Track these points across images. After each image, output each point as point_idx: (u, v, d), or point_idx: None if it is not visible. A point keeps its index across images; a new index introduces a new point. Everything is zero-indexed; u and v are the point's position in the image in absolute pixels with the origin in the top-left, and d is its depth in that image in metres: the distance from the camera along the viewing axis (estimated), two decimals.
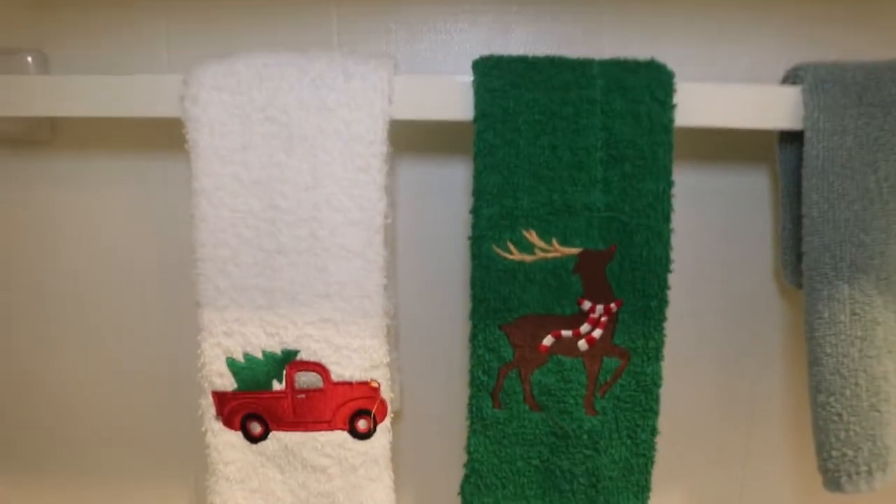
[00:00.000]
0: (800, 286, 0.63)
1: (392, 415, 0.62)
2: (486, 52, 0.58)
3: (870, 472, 0.58)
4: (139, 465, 0.78)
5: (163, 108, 0.59)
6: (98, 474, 0.78)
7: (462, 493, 0.62)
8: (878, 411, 0.58)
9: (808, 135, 0.58)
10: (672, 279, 0.58)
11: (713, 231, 0.71)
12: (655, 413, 0.60)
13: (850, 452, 0.58)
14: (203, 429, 0.61)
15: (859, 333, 0.57)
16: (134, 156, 0.73)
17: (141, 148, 0.72)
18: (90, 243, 0.74)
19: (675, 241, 0.58)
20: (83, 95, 0.60)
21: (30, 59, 0.70)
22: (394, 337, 0.66)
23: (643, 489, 0.61)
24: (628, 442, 0.60)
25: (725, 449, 0.75)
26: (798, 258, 0.62)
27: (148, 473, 0.78)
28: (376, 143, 0.57)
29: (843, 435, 0.58)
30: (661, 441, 0.61)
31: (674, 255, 0.58)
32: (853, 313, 0.57)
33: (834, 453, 0.58)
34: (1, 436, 0.78)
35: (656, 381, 0.59)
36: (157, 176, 0.72)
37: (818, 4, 0.67)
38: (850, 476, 0.58)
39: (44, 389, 0.77)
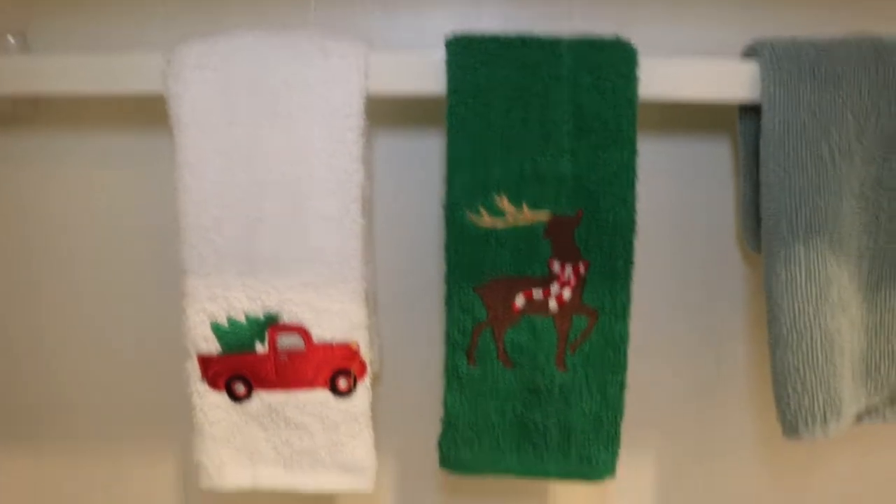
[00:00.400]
0: (759, 250, 0.66)
1: (372, 376, 0.65)
2: (458, 28, 0.61)
3: (825, 420, 0.61)
4: (128, 430, 0.80)
5: (146, 85, 0.61)
6: (87, 441, 0.80)
7: (440, 447, 0.65)
8: (833, 364, 0.61)
9: (765, 107, 0.61)
10: (639, 245, 0.61)
11: (678, 199, 0.74)
12: (623, 369, 0.63)
13: (807, 401, 0.61)
14: (189, 391, 0.63)
15: (814, 291, 0.60)
16: (118, 132, 0.74)
17: (125, 124, 0.74)
18: (76, 218, 0.76)
19: (641, 208, 0.61)
20: (66, 73, 0.62)
21: (11, 39, 0.72)
22: (372, 301, 0.68)
23: (613, 441, 0.64)
24: (598, 396, 0.63)
25: (692, 405, 0.77)
26: (758, 223, 0.65)
27: (136, 437, 0.80)
28: (353, 117, 0.60)
29: (799, 386, 0.61)
30: (629, 395, 0.64)
31: (641, 222, 0.61)
32: (808, 273, 0.61)
33: (791, 403, 0.61)
34: None
35: (623, 339, 0.62)
36: (142, 151, 0.74)
37: None
38: (806, 423, 0.61)
39: (33, 359, 0.78)
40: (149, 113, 0.68)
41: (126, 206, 0.75)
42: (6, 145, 0.75)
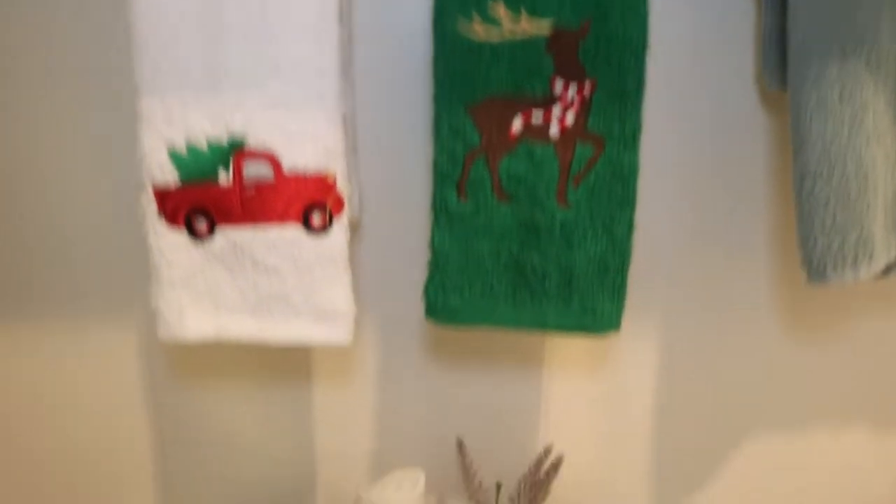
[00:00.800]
0: (783, 87, 0.59)
1: (350, 223, 0.58)
2: None
3: (855, 261, 0.55)
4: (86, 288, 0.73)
5: None
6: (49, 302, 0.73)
7: (426, 293, 0.58)
8: (866, 199, 0.55)
9: None
10: (652, 68, 0.54)
11: (695, 38, 0.67)
12: (632, 205, 0.56)
13: (837, 241, 0.54)
14: (145, 230, 0.56)
15: (849, 114, 0.54)
16: None
17: None
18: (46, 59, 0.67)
19: (655, 38, 0.53)
20: None
21: None
22: (351, 130, 0.61)
23: (619, 289, 0.58)
24: (604, 237, 0.57)
25: (703, 253, 0.71)
26: (781, 54, 0.58)
27: (96, 295, 0.73)
28: None
29: (829, 222, 0.54)
30: (637, 243, 0.57)
31: (654, 51, 0.53)
32: (842, 94, 0.54)
33: (820, 241, 0.55)
34: None
35: (633, 170, 0.56)
36: None
37: None
38: (835, 265, 0.55)
39: None
40: None
41: (89, 27, 0.66)
42: None
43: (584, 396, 0.74)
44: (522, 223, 0.57)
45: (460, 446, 0.73)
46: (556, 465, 0.71)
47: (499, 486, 0.74)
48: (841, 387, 0.75)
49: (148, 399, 0.76)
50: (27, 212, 0.70)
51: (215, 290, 0.58)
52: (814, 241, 0.56)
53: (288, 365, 0.73)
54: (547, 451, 0.71)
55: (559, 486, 0.73)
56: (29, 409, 0.76)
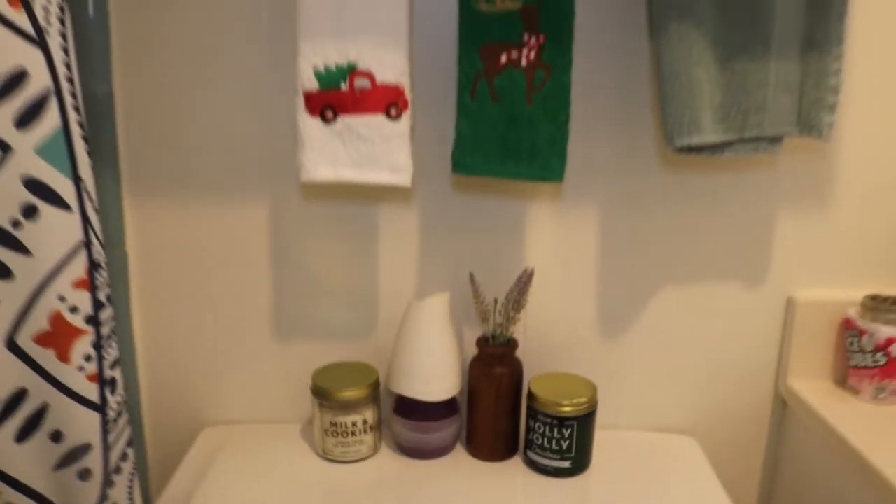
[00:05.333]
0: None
1: (409, 111, 1.03)
2: None
3: (689, 134, 0.98)
4: (245, 170, 1.18)
5: None
6: (212, 188, 1.19)
7: (453, 155, 1.03)
8: (694, 97, 0.99)
9: None
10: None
11: (612, 8, 1.13)
12: (568, 105, 1.00)
13: (677, 120, 0.99)
14: (296, 118, 1.02)
15: (683, 51, 0.98)
16: None
17: None
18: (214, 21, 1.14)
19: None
20: None
21: None
22: (412, 62, 1.06)
23: (562, 154, 1.02)
24: (552, 124, 1.01)
25: (612, 134, 1.17)
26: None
27: (253, 180, 1.18)
28: None
29: (672, 110, 0.99)
30: (573, 128, 1.03)
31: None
32: (680, 37, 0.98)
33: (668, 121, 0.99)
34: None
35: (567, 86, 1.00)
36: None
37: None
38: (678, 135, 0.99)
39: (173, 117, 1.16)
40: None
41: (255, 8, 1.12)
42: None
43: (551, 235, 1.19)
44: (507, 115, 1.02)
45: (471, 277, 1.17)
46: (528, 280, 1.14)
47: (495, 301, 1.18)
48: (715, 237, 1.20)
49: (274, 254, 1.21)
50: (216, 112, 1.16)
51: (335, 152, 1.02)
52: (666, 121, 1.01)
53: (363, 218, 1.18)
54: (525, 272, 1.16)
55: (532, 295, 1.18)
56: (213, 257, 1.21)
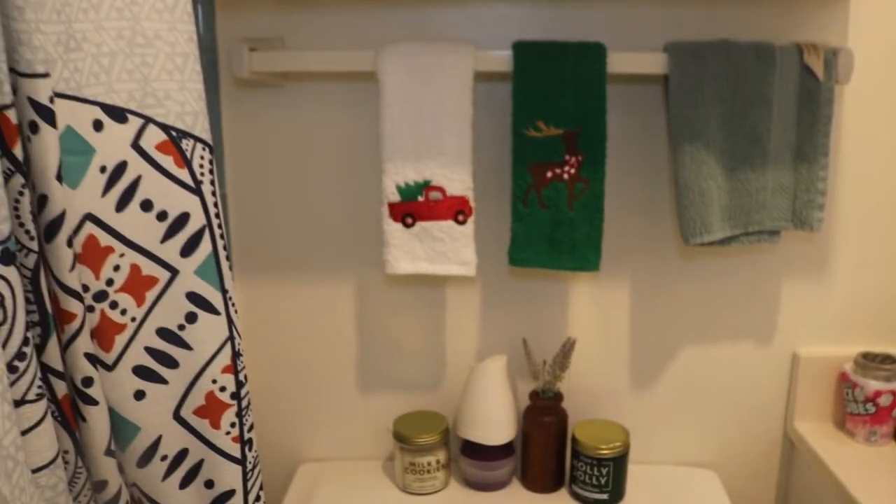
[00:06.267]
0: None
1: (473, 216, 1.28)
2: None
3: (700, 235, 1.21)
4: (336, 257, 1.44)
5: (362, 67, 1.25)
6: (314, 271, 1.45)
7: (510, 252, 1.26)
8: (705, 205, 1.22)
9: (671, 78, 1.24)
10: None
11: (629, 132, 1.37)
12: (601, 209, 1.23)
13: (691, 224, 1.22)
14: (382, 224, 1.27)
15: (695, 168, 1.22)
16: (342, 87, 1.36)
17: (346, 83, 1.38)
18: (314, 143, 1.40)
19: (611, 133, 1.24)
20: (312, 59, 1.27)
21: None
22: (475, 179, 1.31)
23: (597, 249, 1.24)
24: (588, 225, 1.25)
25: (644, 235, 1.41)
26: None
27: (342, 264, 1.44)
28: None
29: (686, 215, 1.23)
30: (607, 225, 1.27)
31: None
32: (693, 158, 1.22)
33: (683, 224, 1.23)
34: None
35: (601, 194, 1.23)
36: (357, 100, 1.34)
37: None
38: (690, 237, 1.23)
39: (277, 217, 1.43)
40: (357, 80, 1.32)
41: (352, 140, 1.38)
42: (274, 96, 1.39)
43: (590, 309, 1.43)
44: (552, 219, 1.26)
45: (524, 343, 1.42)
46: (571, 346, 1.39)
47: (544, 362, 1.42)
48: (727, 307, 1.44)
49: (360, 323, 1.47)
50: (310, 208, 1.42)
51: (413, 251, 1.27)
52: (681, 224, 1.25)
53: (434, 297, 1.43)
54: (568, 340, 1.40)
55: (575, 357, 1.43)
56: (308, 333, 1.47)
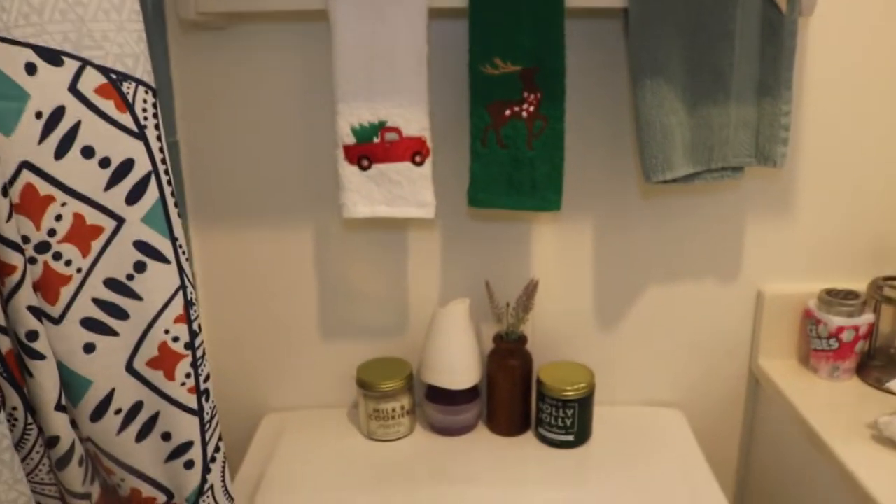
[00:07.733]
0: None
1: (431, 157, 1.25)
2: None
3: (662, 172, 1.20)
4: (293, 203, 1.41)
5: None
6: (265, 218, 1.42)
7: (468, 193, 1.24)
8: (667, 140, 1.20)
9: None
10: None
11: (600, 68, 1.34)
12: (562, 147, 1.20)
13: (652, 160, 1.20)
14: (337, 167, 1.24)
15: (655, 101, 1.20)
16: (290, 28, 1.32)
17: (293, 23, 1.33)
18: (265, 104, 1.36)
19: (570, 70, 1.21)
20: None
21: None
22: (431, 117, 1.28)
23: (558, 188, 1.22)
24: (549, 164, 1.22)
25: (601, 169, 1.39)
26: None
27: (299, 210, 1.41)
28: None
29: (648, 152, 1.20)
30: (568, 163, 1.24)
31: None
32: (653, 92, 1.20)
33: (644, 161, 1.21)
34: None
35: (561, 133, 1.20)
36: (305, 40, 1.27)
37: None
38: (653, 172, 1.21)
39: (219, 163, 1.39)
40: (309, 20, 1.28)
41: (298, 77, 1.34)
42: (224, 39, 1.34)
43: (552, 249, 1.40)
44: (512, 158, 1.23)
45: (487, 285, 1.40)
46: (534, 288, 1.37)
47: (507, 305, 1.41)
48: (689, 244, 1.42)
49: (320, 270, 1.44)
50: (264, 153, 1.37)
51: (370, 193, 1.24)
52: (643, 161, 1.23)
53: (394, 241, 1.40)
54: (531, 282, 1.38)
55: (538, 299, 1.41)
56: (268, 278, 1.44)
